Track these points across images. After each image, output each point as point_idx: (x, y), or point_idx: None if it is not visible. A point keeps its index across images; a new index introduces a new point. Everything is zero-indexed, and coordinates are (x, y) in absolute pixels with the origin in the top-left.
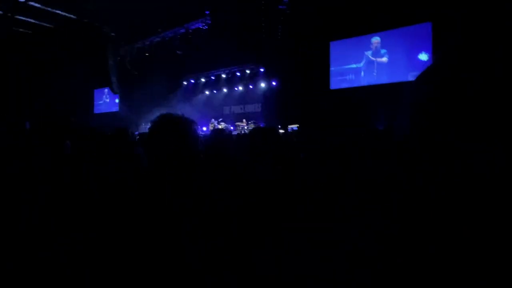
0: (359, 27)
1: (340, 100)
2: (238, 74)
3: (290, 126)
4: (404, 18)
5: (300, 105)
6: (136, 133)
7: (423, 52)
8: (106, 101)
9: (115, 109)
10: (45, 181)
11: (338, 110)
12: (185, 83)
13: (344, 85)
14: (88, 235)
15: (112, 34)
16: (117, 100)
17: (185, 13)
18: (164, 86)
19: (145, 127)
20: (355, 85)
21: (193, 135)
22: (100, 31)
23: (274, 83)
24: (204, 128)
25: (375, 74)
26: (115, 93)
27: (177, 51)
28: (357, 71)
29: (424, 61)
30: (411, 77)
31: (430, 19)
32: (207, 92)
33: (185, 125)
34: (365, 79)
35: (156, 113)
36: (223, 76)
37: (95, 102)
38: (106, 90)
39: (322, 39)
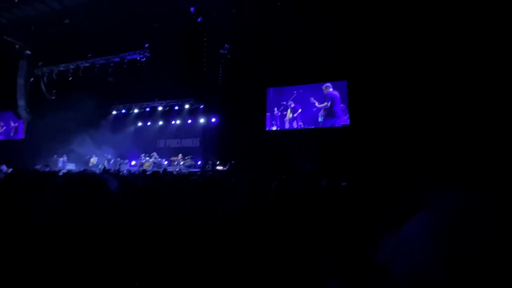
0: (293, 78)
1: (274, 140)
2: (177, 108)
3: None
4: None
5: (238, 143)
6: (48, 169)
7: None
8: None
9: (17, 137)
10: None
11: (273, 150)
12: (114, 112)
13: (278, 127)
14: None
15: (28, 52)
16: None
17: (123, 43)
18: (90, 114)
19: (57, 159)
20: (290, 127)
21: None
22: (13, 46)
23: (213, 120)
24: (133, 162)
25: (305, 120)
26: (19, 118)
27: (109, 78)
28: (291, 115)
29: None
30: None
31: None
32: (139, 124)
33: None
34: (297, 123)
35: (79, 142)
36: (160, 108)
37: None
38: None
39: (261, 83)
